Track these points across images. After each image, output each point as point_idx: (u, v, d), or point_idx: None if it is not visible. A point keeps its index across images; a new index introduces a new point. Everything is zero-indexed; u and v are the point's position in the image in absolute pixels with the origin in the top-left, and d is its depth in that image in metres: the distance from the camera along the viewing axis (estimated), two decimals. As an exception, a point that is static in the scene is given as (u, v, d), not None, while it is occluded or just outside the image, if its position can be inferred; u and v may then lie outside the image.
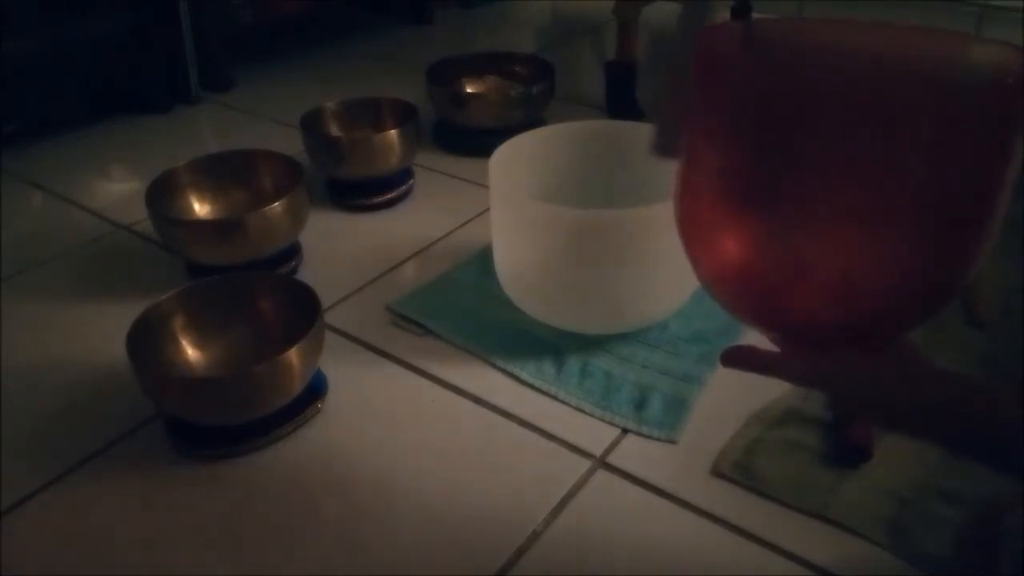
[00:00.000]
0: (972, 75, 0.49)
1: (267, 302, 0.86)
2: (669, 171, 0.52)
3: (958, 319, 0.91)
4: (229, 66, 1.63)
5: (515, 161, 0.90)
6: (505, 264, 0.89)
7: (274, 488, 0.74)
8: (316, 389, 0.82)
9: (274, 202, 0.97)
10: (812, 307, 0.48)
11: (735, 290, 0.52)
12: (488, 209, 0.90)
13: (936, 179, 0.43)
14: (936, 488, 0.70)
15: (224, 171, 1.09)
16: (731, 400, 0.81)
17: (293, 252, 1.05)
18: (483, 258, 1.01)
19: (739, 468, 0.73)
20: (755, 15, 1.45)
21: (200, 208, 1.07)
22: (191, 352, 0.84)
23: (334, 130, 1.24)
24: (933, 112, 0.41)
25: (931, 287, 0.48)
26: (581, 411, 0.81)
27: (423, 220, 1.15)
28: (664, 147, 0.53)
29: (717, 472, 0.74)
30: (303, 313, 0.80)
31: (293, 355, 0.75)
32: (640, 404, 0.81)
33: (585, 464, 0.75)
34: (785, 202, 0.45)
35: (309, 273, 1.04)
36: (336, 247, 1.10)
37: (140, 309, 0.80)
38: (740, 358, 0.54)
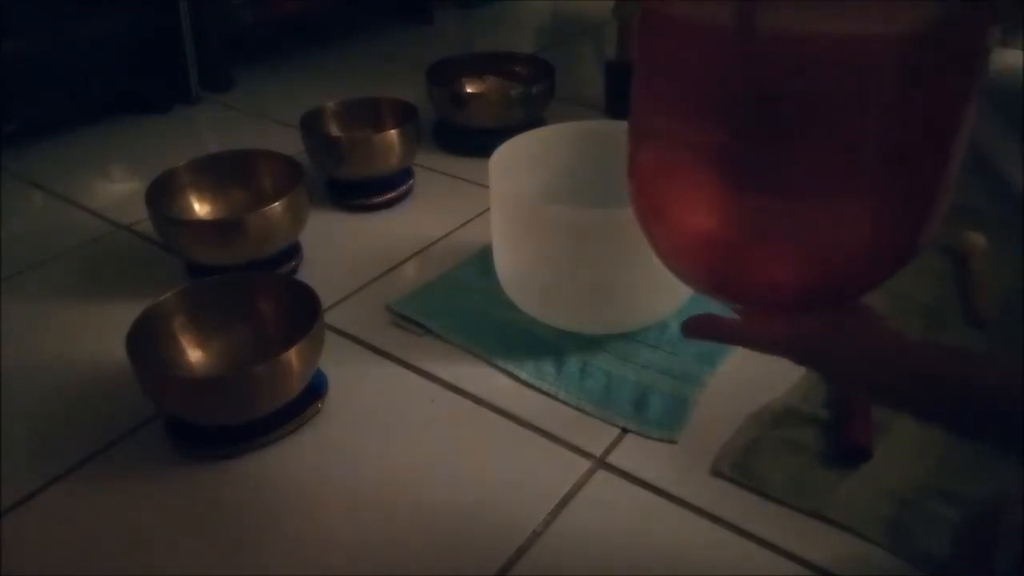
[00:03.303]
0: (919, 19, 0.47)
1: (267, 302, 0.86)
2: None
3: (958, 319, 0.91)
4: (229, 66, 1.63)
5: (515, 161, 0.90)
6: (505, 264, 0.89)
7: (274, 488, 0.74)
8: (316, 389, 0.82)
9: (274, 202, 0.97)
10: (770, 273, 0.48)
11: (692, 261, 0.51)
12: (488, 209, 0.90)
13: (891, 135, 0.42)
14: (936, 488, 0.70)
15: (224, 171, 1.09)
16: (731, 400, 0.81)
17: (293, 252, 1.05)
18: (483, 258, 1.01)
19: (739, 468, 0.73)
20: None
21: (200, 208, 1.07)
22: (191, 352, 0.84)
23: (334, 130, 1.24)
24: (887, 66, 0.40)
25: (890, 248, 0.47)
26: (581, 411, 0.81)
27: (423, 220, 1.15)
28: None
29: (717, 472, 0.74)
30: (303, 313, 0.80)
31: (293, 355, 0.75)
32: (640, 404, 0.81)
33: (585, 464, 0.75)
34: (738, 168, 0.45)
35: (309, 273, 1.04)
36: (336, 247, 1.10)
37: (140, 309, 0.80)
38: (700, 327, 0.54)
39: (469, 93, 1.42)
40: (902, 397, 0.50)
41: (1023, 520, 0.61)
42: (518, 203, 0.84)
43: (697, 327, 0.54)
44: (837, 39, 0.41)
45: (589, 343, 0.88)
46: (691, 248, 0.51)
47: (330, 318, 0.94)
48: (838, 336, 0.50)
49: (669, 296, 0.87)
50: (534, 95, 1.34)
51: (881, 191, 0.44)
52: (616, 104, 1.45)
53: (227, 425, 0.78)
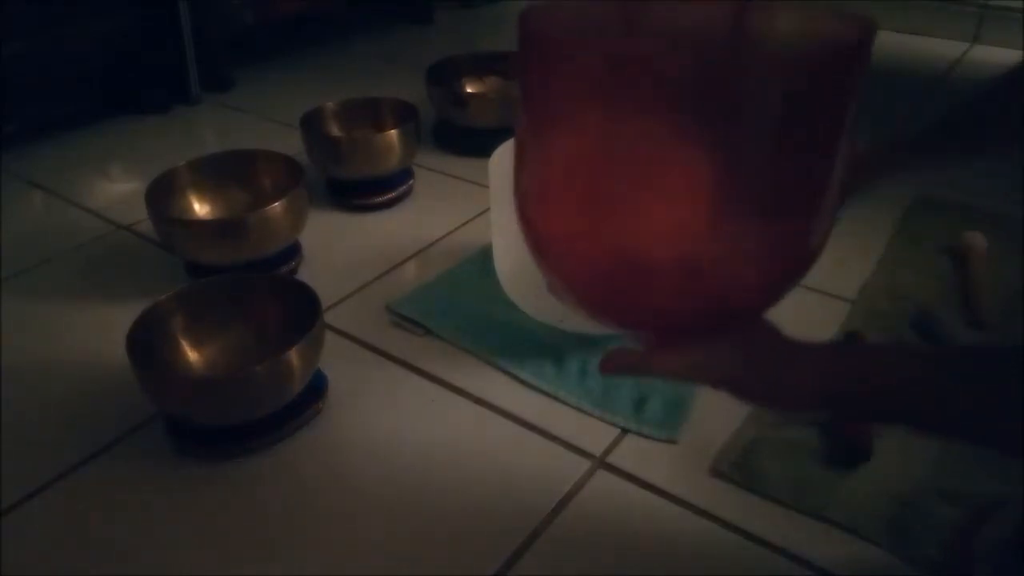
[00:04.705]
0: (807, 44, 0.47)
1: (267, 302, 0.86)
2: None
3: (958, 320, 0.91)
4: (229, 66, 1.63)
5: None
6: (505, 264, 0.89)
7: (274, 488, 0.74)
8: (316, 389, 0.82)
9: (274, 202, 0.97)
10: (663, 298, 0.47)
11: (584, 292, 0.50)
12: (488, 209, 0.90)
13: (775, 151, 0.41)
14: (936, 488, 0.70)
15: (224, 171, 1.09)
16: (731, 400, 0.80)
17: (293, 252, 1.05)
18: (483, 258, 1.01)
19: (739, 468, 0.73)
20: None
21: (200, 208, 1.07)
22: (191, 352, 0.84)
23: (334, 130, 1.24)
24: (771, 83, 0.40)
25: (783, 263, 0.46)
26: (581, 411, 0.81)
27: (423, 220, 1.15)
28: None
29: (717, 472, 0.74)
30: (303, 313, 0.80)
31: (293, 355, 0.75)
32: (640, 404, 0.81)
33: (585, 464, 0.75)
34: (615, 189, 0.43)
35: (309, 273, 1.04)
36: (336, 247, 1.10)
37: (140, 309, 0.80)
38: (613, 362, 0.53)
39: (469, 93, 1.42)
40: (828, 406, 0.50)
41: (1019, 521, 0.61)
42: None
43: (609, 363, 0.53)
44: (718, 58, 0.41)
45: (589, 343, 0.88)
46: (571, 272, 0.49)
47: (330, 318, 0.94)
48: (747, 359, 0.49)
49: (669, 296, 0.87)
50: (534, 95, 1.34)
51: (764, 205, 0.43)
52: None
53: (227, 425, 0.78)
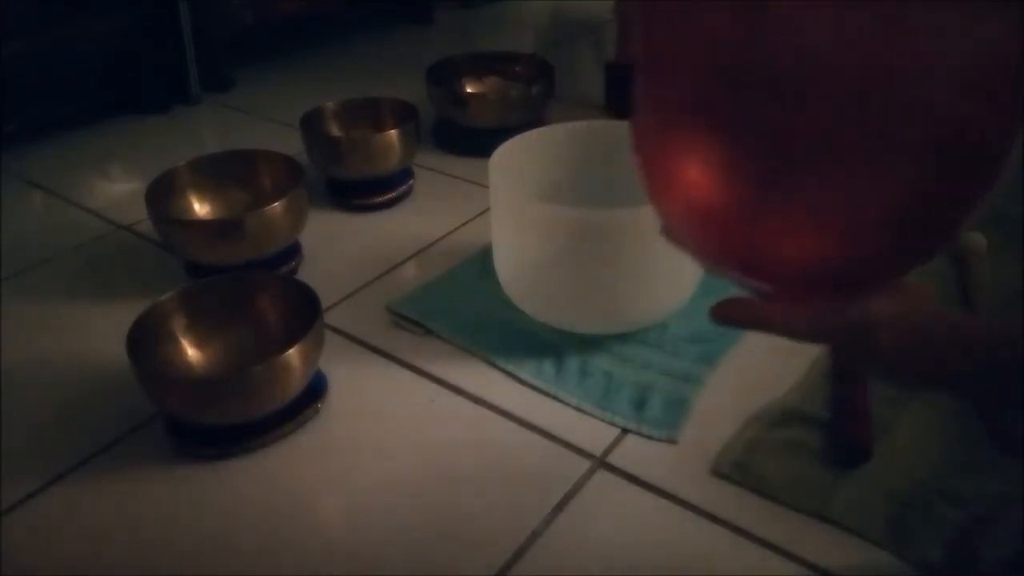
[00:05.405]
0: None
1: (267, 302, 0.86)
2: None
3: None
4: (229, 66, 1.63)
5: (515, 161, 0.90)
6: (505, 264, 0.89)
7: (274, 488, 0.74)
8: (316, 389, 0.82)
9: (274, 202, 0.97)
10: (805, 250, 0.44)
11: (715, 238, 0.47)
12: (488, 209, 0.90)
13: (943, 104, 0.38)
14: (936, 488, 0.70)
15: (224, 171, 1.09)
16: (731, 400, 0.81)
17: (293, 252, 1.05)
18: (483, 258, 1.01)
19: (739, 468, 0.73)
20: None
21: (200, 208, 1.08)
22: (191, 352, 0.84)
23: (334, 130, 1.24)
24: (940, 29, 0.37)
25: (933, 225, 0.43)
26: (581, 411, 0.81)
27: (423, 220, 1.15)
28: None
29: (717, 472, 0.74)
30: (303, 313, 0.80)
31: (293, 355, 0.75)
32: (640, 404, 0.81)
33: (585, 464, 0.75)
34: (770, 134, 0.40)
35: (309, 273, 1.04)
36: (336, 247, 1.10)
37: (140, 309, 0.80)
38: (733, 311, 0.49)
39: (469, 93, 1.42)
40: (964, 386, 0.45)
41: (1021, 521, 0.61)
42: (518, 203, 0.84)
43: (726, 312, 0.49)
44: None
45: (589, 343, 0.88)
46: (705, 221, 0.46)
47: (330, 318, 0.94)
48: (884, 320, 0.45)
49: (669, 296, 0.87)
50: (534, 95, 1.34)
51: (926, 162, 0.39)
52: (616, 104, 1.44)
53: (227, 425, 0.78)
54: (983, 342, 0.44)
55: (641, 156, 0.48)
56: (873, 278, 0.46)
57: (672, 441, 0.77)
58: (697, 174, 0.44)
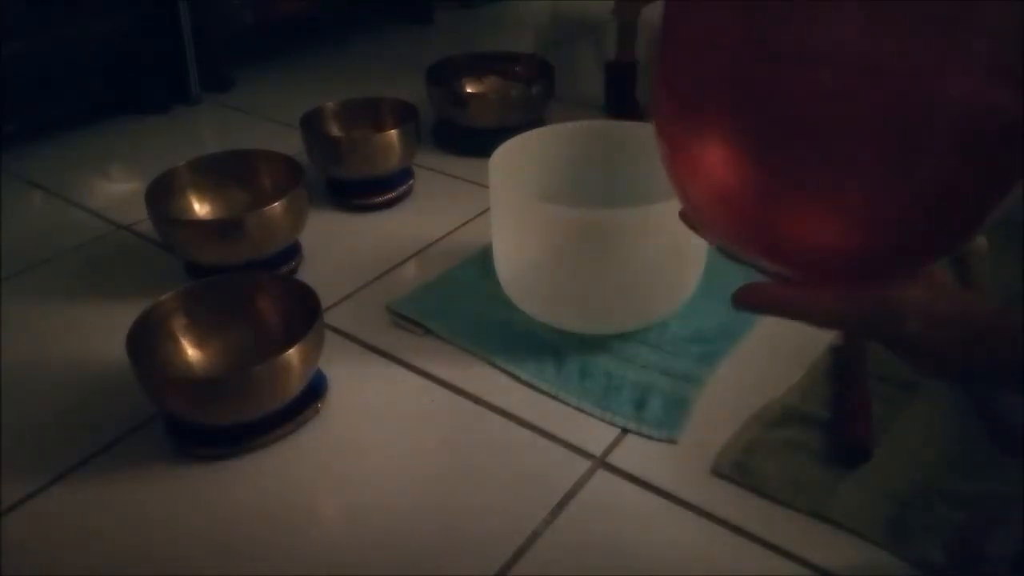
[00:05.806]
0: None
1: (267, 302, 0.86)
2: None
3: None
4: (229, 66, 1.63)
5: (515, 161, 0.90)
6: (505, 264, 0.89)
7: (274, 488, 0.74)
8: (316, 389, 0.82)
9: (274, 202, 0.97)
10: (831, 236, 0.43)
11: (740, 222, 0.46)
12: (488, 209, 0.90)
13: (970, 91, 0.37)
14: (936, 488, 0.70)
15: (224, 171, 1.09)
16: (731, 400, 0.81)
17: (293, 252, 1.05)
18: (483, 258, 1.01)
19: (739, 468, 0.73)
20: None
21: (200, 208, 1.08)
22: (191, 352, 0.84)
23: (334, 130, 1.24)
24: (966, 17, 0.36)
25: (960, 213, 0.42)
26: (581, 411, 0.81)
27: (423, 220, 1.15)
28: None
29: (717, 472, 0.74)
30: (303, 313, 0.80)
31: (293, 355, 0.75)
32: (640, 404, 0.81)
33: (585, 464, 0.75)
34: (798, 119, 0.40)
35: (309, 273, 1.04)
36: (336, 247, 1.10)
37: (140, 309, 0.80)
38: (753, 297, 0.48)
39: (469, 93, 1.42)
40: (997, 374, 0.45)
41: (1021, 521, 0.61)
42: (518, 203, 0.84)
43: (747, 297, 0.48)
44: None
45: (589, 343, 0.88)
46: (730, 205, 0.45)
47: (330, 318, 0.94)
48: (911, 308, 0.44)
49: (669, 296, 0.87)
50: (534, 95, 1.34)
51: (960, 143, 0.39)
52: (616, 104, 1.44)
53: (227, 425, 0.78)
54: (1013, 333, 0.44)
55: (664, 139, 0.47)
56: (899, 265, 0.45)
57: (672, 441, 0.77)
58: (722, 157, 0.44)
